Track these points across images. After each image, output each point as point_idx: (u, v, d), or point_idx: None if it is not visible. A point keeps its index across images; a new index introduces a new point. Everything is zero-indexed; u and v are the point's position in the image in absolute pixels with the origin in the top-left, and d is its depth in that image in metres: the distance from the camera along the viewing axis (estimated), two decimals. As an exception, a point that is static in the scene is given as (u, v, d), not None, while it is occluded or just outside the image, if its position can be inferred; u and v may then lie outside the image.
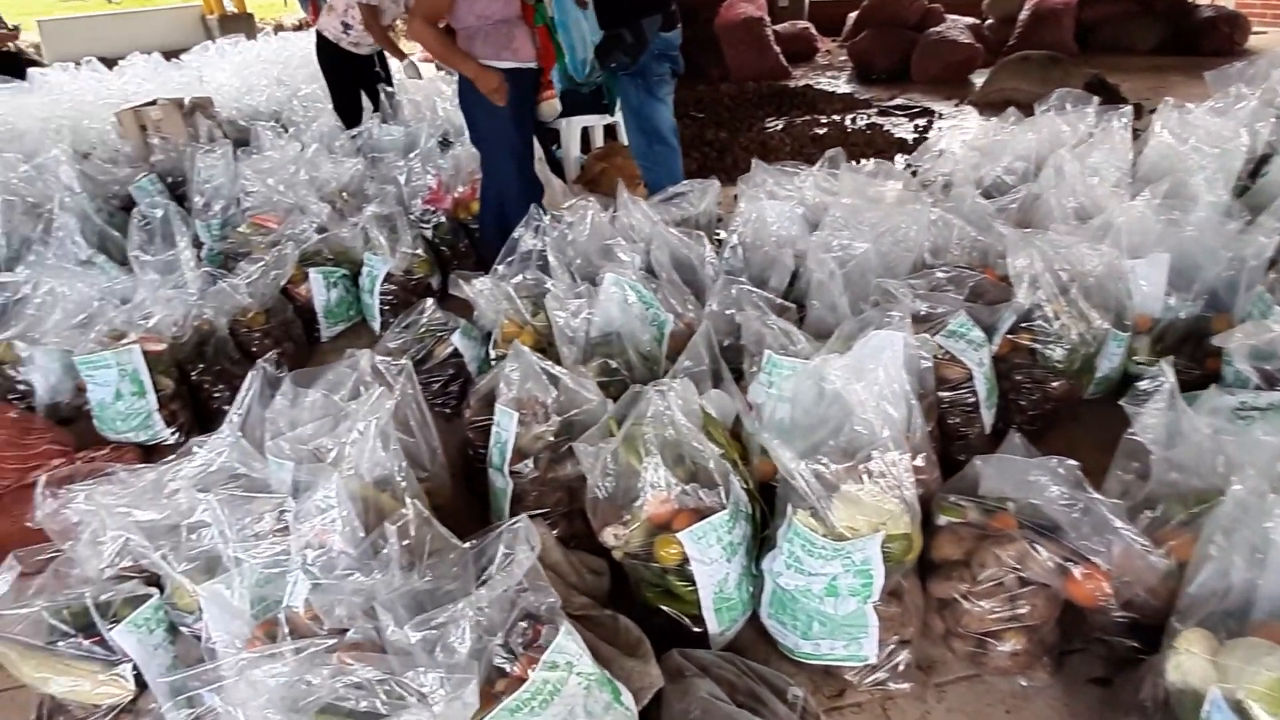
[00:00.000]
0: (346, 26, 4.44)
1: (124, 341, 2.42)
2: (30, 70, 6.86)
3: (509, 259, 2.60)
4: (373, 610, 1.23)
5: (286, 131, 4.43)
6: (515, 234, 2.66)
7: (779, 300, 2.25)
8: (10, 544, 1.59)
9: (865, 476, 1.47)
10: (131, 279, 2.89)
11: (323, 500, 1.44)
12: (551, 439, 1.82)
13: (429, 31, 2.87)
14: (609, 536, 1.59)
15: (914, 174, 3.30)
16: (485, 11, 2.84)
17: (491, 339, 2.41)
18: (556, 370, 1.83)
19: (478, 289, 2.41)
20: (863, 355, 1.64)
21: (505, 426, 1.82)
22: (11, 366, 2.58)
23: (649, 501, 1.53)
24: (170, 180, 4.19)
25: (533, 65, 3.02)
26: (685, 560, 1.53)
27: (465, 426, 2.09)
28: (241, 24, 9.65)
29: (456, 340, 2.49)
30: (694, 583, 1.55)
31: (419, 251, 3.17)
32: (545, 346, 2.25)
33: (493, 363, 2.31)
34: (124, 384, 2.42)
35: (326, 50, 4.59)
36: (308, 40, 8.61)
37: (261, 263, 2.84)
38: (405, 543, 1.35)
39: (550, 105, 3.39)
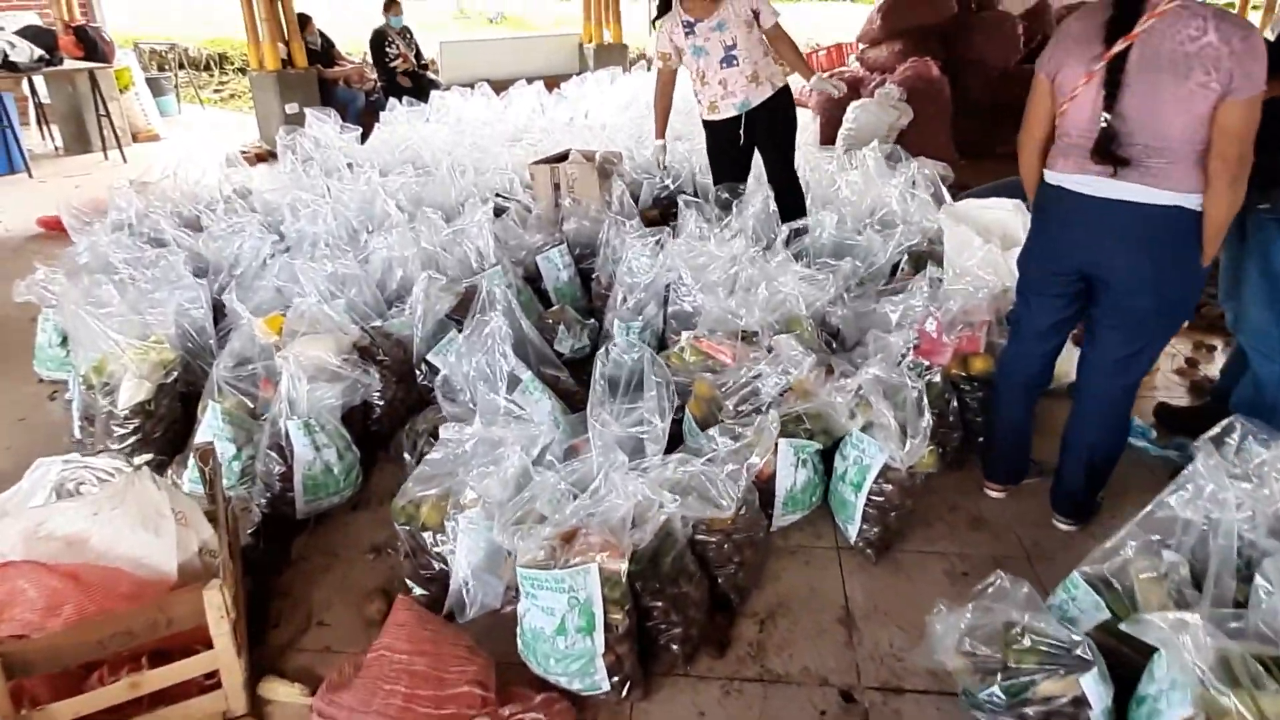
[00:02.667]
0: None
1: (577, 558, 1.73)
2: (433, 94, 6.99)
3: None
4: None
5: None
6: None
7: None
8: None
9: None
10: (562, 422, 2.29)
11: None
12: None
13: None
14: None
15: None
16: None
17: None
18: None
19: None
20: None
21: None
22: (433, 533, 2.02)
23: None
24: (577, 253, 3.68)
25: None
26: None
27: None
28: (616, 54, 9.54)
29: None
30: None
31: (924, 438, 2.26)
32: None
33: None
34: (572, 615, 1.74)
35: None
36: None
37: (735, 434, 2.07)
38: None
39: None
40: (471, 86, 7.20)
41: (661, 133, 3.97)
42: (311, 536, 2.39)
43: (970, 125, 6.85)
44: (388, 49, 7.73)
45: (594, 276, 3.66)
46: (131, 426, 2.47)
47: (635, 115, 6.28)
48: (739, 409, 2.38)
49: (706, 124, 3.84)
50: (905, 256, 3.32)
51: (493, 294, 2.66)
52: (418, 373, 2.87)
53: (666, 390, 2.06)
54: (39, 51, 6.58)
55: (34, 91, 7.77)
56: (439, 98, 6.82)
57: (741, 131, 3.73)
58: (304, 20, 7.44)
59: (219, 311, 3.04)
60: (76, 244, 3.47)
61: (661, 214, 4.60)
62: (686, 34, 3.57)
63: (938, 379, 2.55)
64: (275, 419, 2.38)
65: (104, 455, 1.78)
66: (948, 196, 3.76)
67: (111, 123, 7.27)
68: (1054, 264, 2.13)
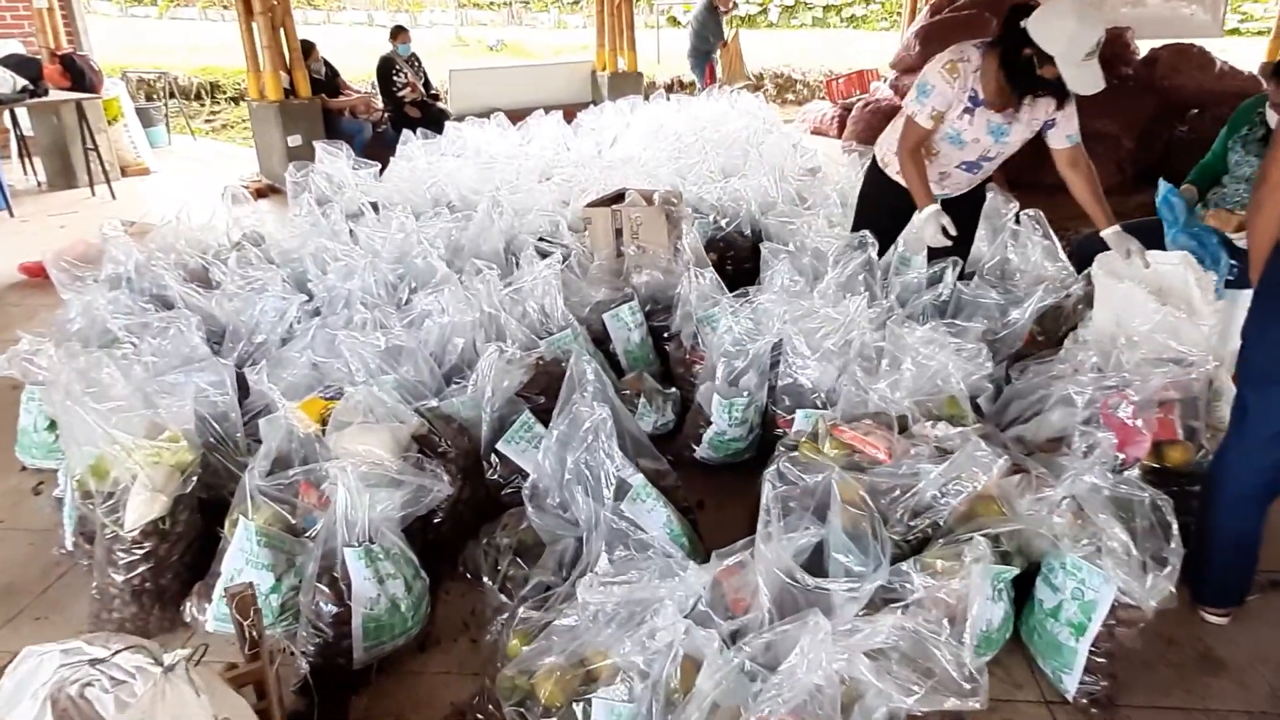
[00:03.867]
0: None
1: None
2: (447, 125, 6.55)
3: None
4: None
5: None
6: None
7: None
8: None
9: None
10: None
11: None
12: None
13: None
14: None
15: None
16: None
17: None
18: None
19: None
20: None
21: None
22: (557, 717, 1.52)
23: None
24: (647, 309, 3.20)
25: None
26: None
27: None
28: (631, 83, 9.16)
29: None
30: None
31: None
32: None
33: None
34: None
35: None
36: (706, 106, 7.92)
37: (934, 567, 1.59)
38: None
39: None
40: (485, 116, 6.76)
41: (929, 197, 2.79)
42: (374, 693, 1.88)
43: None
44: (395, 77, 7.29)
45: (666, 335, 3.19)
46: (141, 552, 1.95)
47: (668, 147, 5.86)
48: (910, 523, 1.90)
49: (900, 187, 2.94)
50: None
51: (582, 373, 2.18)
52: (486, 465, 2.38)
53: (875, 525, 1.58)
54: (22, 82, 6.07)
55: (16, 124, 7.25)
56: (454, 129, 6.38)
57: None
58: (307, 48, 6.99)
59: (240, 384, 2.53)
60: (66, 305, 2.96)
61: (719, 258, 4.16)
62: (964, 113, 2.71)
63: (1135, 473, 2.09)
64: (325, 541, 1.88)
65: (116, 639, 1.28)
66: (1056, 241, 3.32)
67: (99, 156, 6.76)
68: None
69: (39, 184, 7.14)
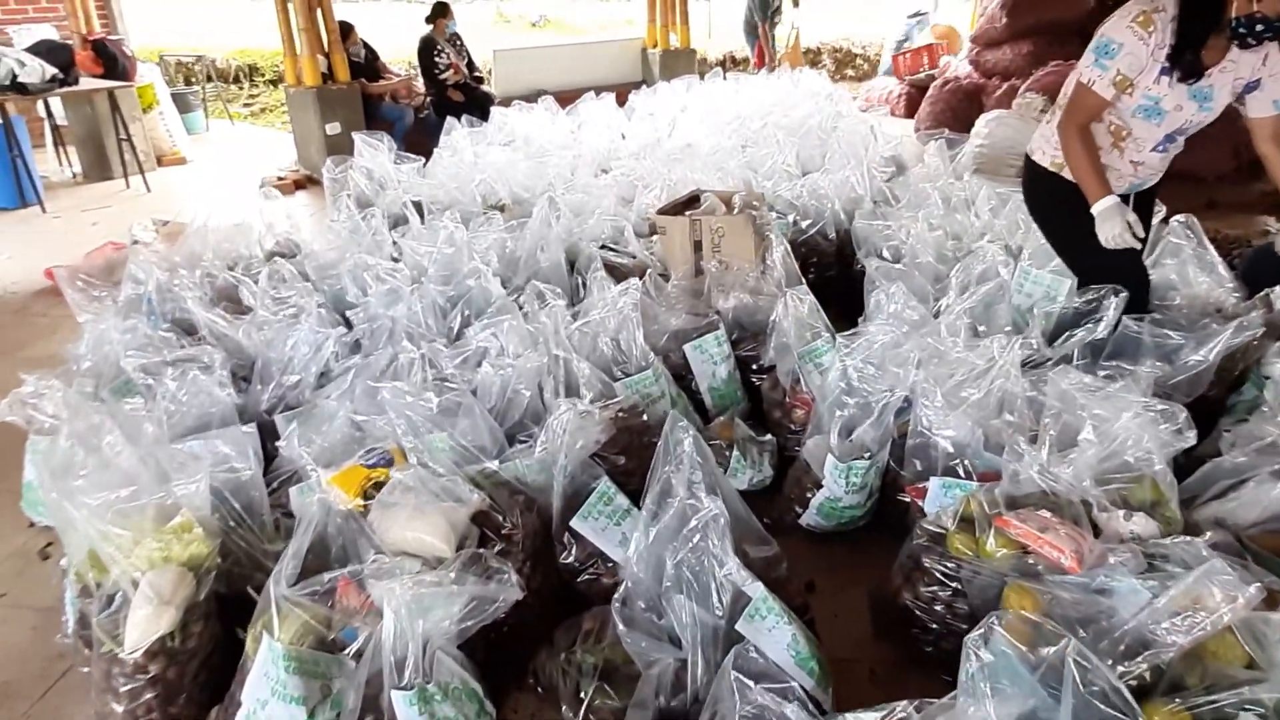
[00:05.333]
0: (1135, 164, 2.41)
1: None
2: (493, 111, 6.13)
3: None
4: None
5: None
6: None
7: None
8: None
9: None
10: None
11: None
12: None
13: None
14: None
15: None
16: None
17: None
18: None
19: None
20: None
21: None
22: None
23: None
24: (734, 337, 2.76)
25: None
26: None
27: None
28: (684, 61, 8.63)
29: None
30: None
31: None
32: None
33: None
34: None
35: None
36: (767, 86, 7.36)
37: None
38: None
39: None
40: (531, 99, 6.33)
41: (1104, 185, 2.28)
42: None
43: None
44: (437, 59, 6.88)
45: (755, 366, 2.75)
46: (145, 678, 1.59)
47: (733, 134, 5.37)
48: (1121, 666, 1.45)
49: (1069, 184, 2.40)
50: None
51: (679, 441, 1.76)
52: (559, 546, 1.98)
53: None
54: (52, 70, 5.78)
55: (50, 113, 7.00)
56: (500, 115, 5.96)
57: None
58: (346, 30, 6.61)
59: (265, 436, 2.16)
60: (79, 336, 2.62)
61: (802, 265, 3.70)
62: (1160, 74, 2.19)
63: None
64: (369, 664, 1.51)
65: None
66: (1216, 256, 2.80)
67: (133, 146, 6.47)
68: None
69: (74, 175, 6.90)
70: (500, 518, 1.89)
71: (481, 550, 1.72)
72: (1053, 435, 1.87)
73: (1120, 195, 2.33)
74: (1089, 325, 2.36)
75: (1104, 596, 1.55)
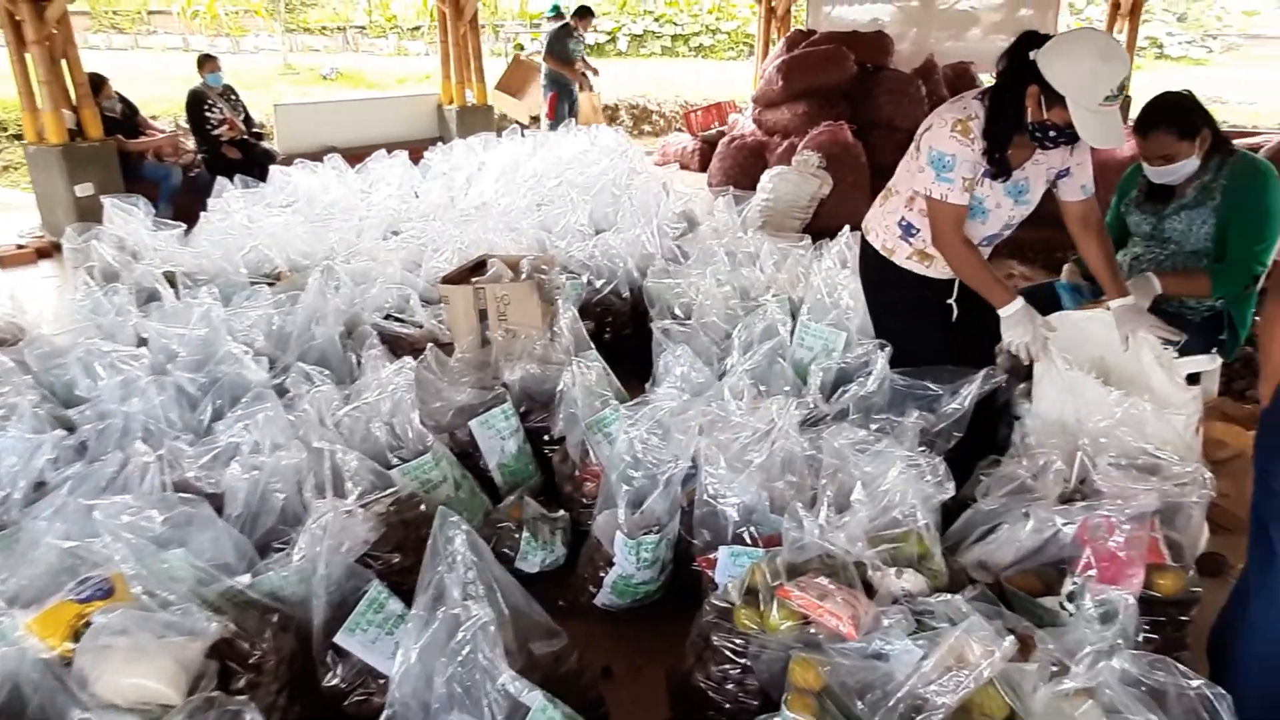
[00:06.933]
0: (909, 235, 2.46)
1: None
2: (272, 169, 5.77)
3: None
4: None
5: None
6: None
7: None
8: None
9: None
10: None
11: None
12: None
13: None
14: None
15: None
16: None
17: None
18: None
19: None
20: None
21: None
22: None
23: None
24: (523, 409, 2.65)
25: None
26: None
27: None
28: (481, 118, 8.56)
29: None
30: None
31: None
32: None
33: None
34: None
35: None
36: (564, 143, 7.41)
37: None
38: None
39: None
40: (317, 158, 6.02)
41: (1006, 290, 2.31)
42: None
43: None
44: (208, 114, 6.39)
45: (546, 438, 2.65)
46: None
47: (528, 192, 5.33)
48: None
49: (916, 277, 2.49)
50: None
51: (450, 540, 1.62)
52: (321, 667, 1.76)
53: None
54: None
55: None
56: (281, 174, 5.61)
57: (954, 300, 2.49)
58: (98, 83, 6.00)
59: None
60: None
61: (596, 326, 3.68)
62: (983, 177, 2.27)
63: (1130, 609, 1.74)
64: None
65: None
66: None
67: None
68: None
69: None
70: (248, 645, 1.66)
71: (216, 693, 1.48)
72: (830, 495, 1.90)
73: (946, 280, 2.44)
74: (860, 379, 2.46)
75: (880, 661, 1.55)
